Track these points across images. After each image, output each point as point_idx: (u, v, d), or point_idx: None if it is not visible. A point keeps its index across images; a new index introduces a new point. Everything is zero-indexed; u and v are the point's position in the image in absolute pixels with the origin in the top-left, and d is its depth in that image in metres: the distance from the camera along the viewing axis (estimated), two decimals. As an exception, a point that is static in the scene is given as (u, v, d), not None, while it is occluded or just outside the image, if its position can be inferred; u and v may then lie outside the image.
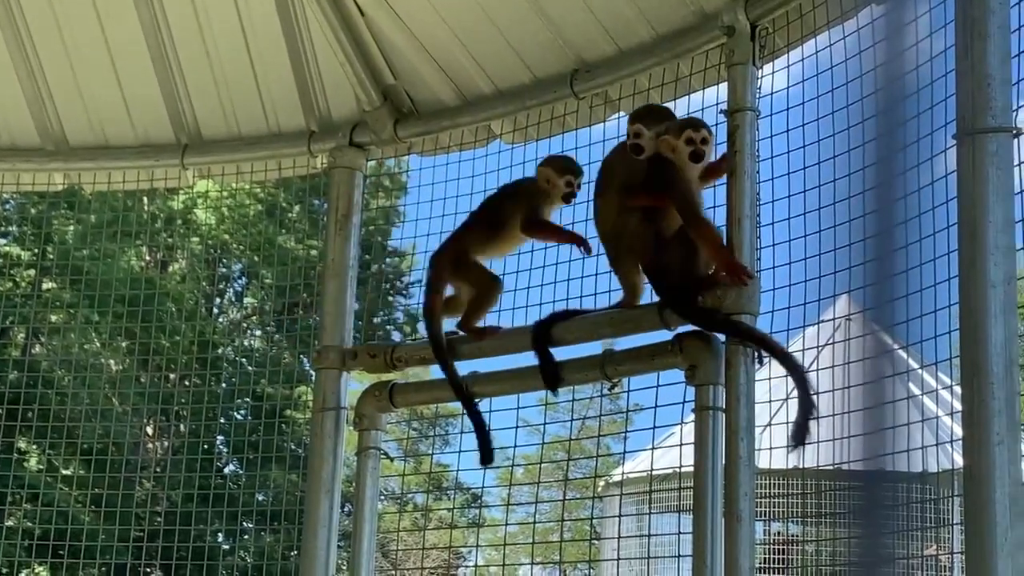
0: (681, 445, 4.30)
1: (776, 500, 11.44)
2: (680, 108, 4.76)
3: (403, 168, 6.03)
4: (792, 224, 4.35)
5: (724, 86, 4.49)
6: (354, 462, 5.18)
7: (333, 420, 5.18)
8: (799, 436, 4.05)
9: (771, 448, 5.08)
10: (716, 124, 4.48)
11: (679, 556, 4.36)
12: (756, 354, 4.11)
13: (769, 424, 5.03)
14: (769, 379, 4.65)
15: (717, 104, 4.54)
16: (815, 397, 4.09)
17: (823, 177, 4.30)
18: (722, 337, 4.13)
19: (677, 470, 4.48)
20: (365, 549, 5.01)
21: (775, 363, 4.23)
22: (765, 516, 12.38)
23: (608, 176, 4.51)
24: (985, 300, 3.31)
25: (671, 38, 4.77)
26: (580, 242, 4.63)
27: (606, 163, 4.59)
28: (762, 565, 13.00)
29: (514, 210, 4.74)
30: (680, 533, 4.44)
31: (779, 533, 13.27)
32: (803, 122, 4.40)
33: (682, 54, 4.74)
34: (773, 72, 4.50)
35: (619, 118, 5.09)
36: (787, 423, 5.05)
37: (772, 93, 4.48)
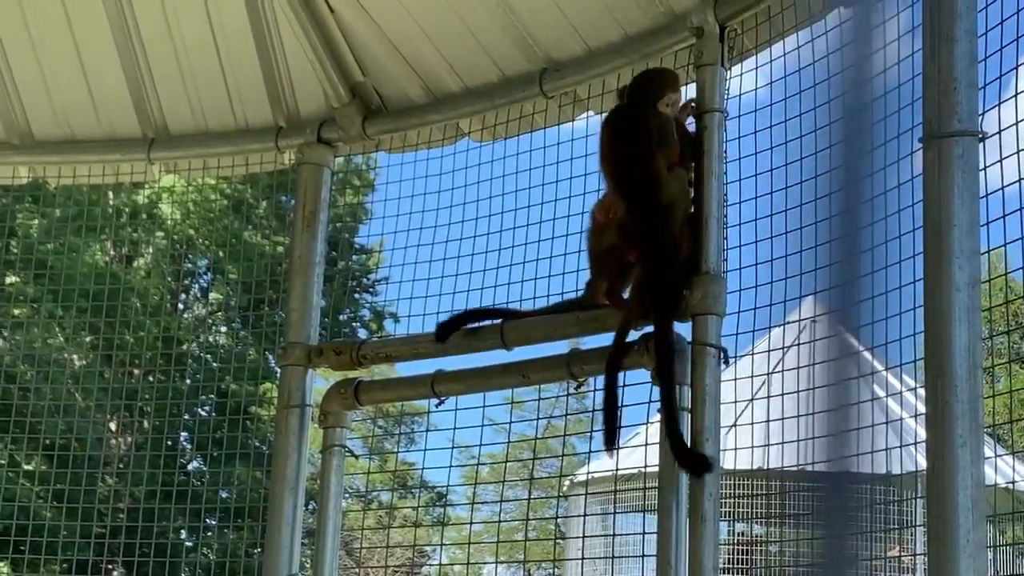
0: (647, 445, 4.30)
1: (740, 500, 11.49)
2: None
3: (371, 165, 6.01)
4: (759, 225, 4.38)
5: (692, 87, 4.50)
6: (319, 459, 5.16)
7: (298, 417, 5.16)
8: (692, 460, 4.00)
9: (735, 449, 5.10)
10: (686, 125, 4.49)
11: (643, 556, 4.37)
12: (722, 355, 4.12)
13: (734, 425, 5.05)
14: (735, 380, 4.66)
15: (686, 105, 4.54)
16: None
17: (790, 179, 4.31)
18: (688, 337, 4.14)
19: (642, 470, 4.48)
20: (329, 547, 4.99)
21: (741, 364, 4.25)
22: (729, 516, 12.45)
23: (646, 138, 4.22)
24: (949, 303, 3.33)
25: (640, 38, 4.77)
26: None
27: (636, 126, 4.26)
28: (726, 565, 13.06)
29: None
30: (645, 533, 4.45)
31: (743, 533, 13.34)
32: (771, 124, 4.42)
33: (651, 54, 4.74)
34: (741, 74, 4.51)
35: (587, 117, 5.10)
36: (751, 424, 5.08)
37: (740, 95, 4.50)
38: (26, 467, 13.84)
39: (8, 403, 7.34)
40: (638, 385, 4.31)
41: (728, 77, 4.44)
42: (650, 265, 4.19)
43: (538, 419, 5.22)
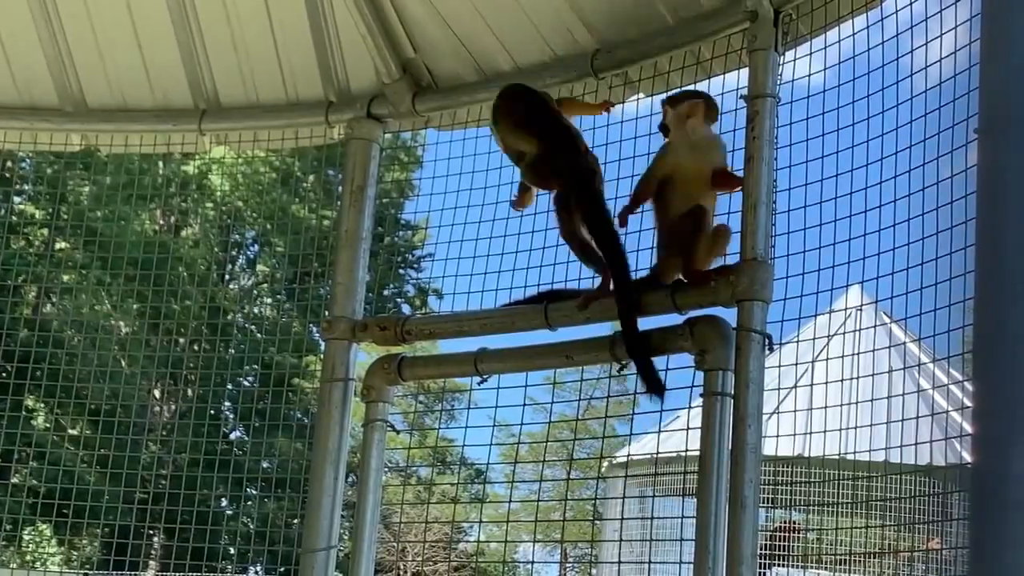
0: (688, 429, 4.30)
1: (779, 487, 11.45)
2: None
3: (419, 141, 6.01)
4: (808, 212, 4.35)
5: (745, 71, 4.47)
6: (360, 433, 5.19)
7: (341, 391, 5.19)
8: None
9: (777, 436, 5.08)
10: (736, 109, 4.47)
11: (681, 540, 4.36)
12: (767, 341, 4.11)
13: (776, 411, 5.03)
14: (778, 367, 4.65)
15: (737, 89, 4.53)
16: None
17: (841, 166, 4.29)
18: (733, 323, 4.13)
19: (682, 454, 4.48)
20: (368, 520, 5.02)
21: (785, 351, 4.24)
22: (768, 502, 12.41)
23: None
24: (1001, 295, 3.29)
25: (694, 21, 4.75)
26: None
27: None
28: (763, 552, 13.03)
29: None
30: (683, 517, 4.44)
31: (782, 520, 13.30)
32: (823, 110, 4.39)
33: (704, 37, 4.71)
34: (795, 59, 4.47)
35: (638, 99, 5.07)
36: (794, 411, 5.06)
37: (793, 80, 4.46)
38: (71, 432, 14.01)
39: (55, 368, 7.42)
40: (680, 369, 4.31)
41: (781, 62, 4.41)
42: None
43: (579, 400, 5.22)
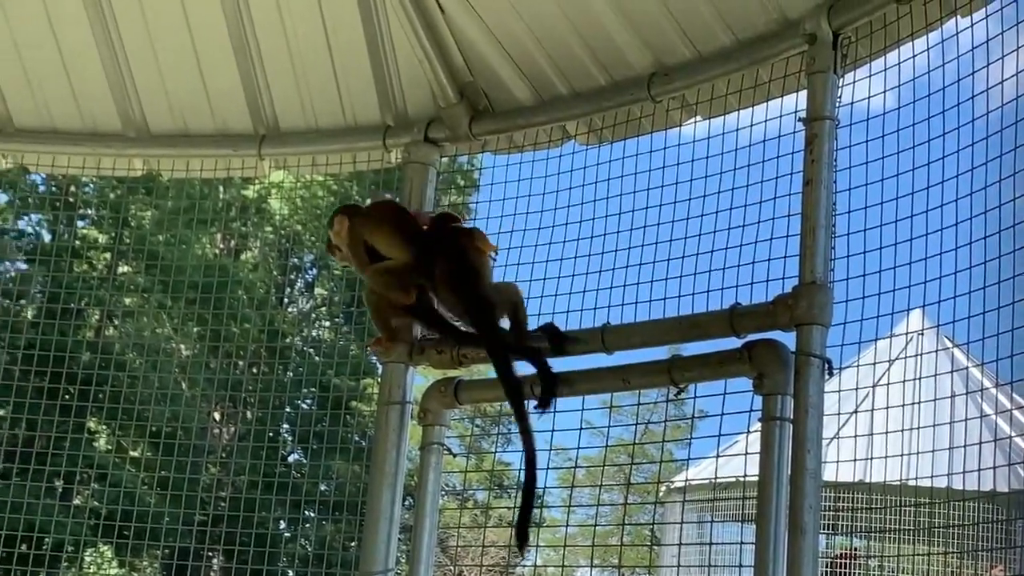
0: (746, 454, 4.26)
1: (840, 513, 11.33)
2: (758, 115, 4.73)
3: (476, 165, 6.04)
4: (868, 235, 4.31)
5: (803, 94, 4.45)
6: (417, 456, 5.19)
7: (398, 414, 5.19)
8: (521, 536, 4.40)
9: (837, 461, 5.03)
10: (794, 132, 4.45)
11: (740, 566, 4.32)
12: (826, 366, 4.07)
13: (836, 437, 4.98)
14: (838, 391, 4.60)
15: (796, 112, 4.50)
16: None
17: (901, 189, 4.24)
18: (793, 347, 4.10)
19: (741, 479, 4.44)
20: (425, 543, 5.02)
21: (845, 375, 4.21)
22: (828, 529, 12.27)
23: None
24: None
25: (751, 44, 4.73)
26: None
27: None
28: (823, 578, 12.88)
29: None
30: (742, 543, 4.40)
31: (842, 547, 13.14)
32: (883, 132, 4.35)
33: (762, 60, 4.70)
34: (854, 81, 4.45)
35: (695, 123, 5.06)
36: (854, 436, 5.01)
37: (852, 102, 4.43)
38: (132, 454, 14.14)
39: (117, 390, 7.50)
40: (738, 394, 4.28)
41: (840, 84, 4.38)
42: None
43: (636, 424, 5.18)
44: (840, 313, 4.20)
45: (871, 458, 4.79)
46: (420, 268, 4.82)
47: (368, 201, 5.29)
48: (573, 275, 5.09)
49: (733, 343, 4.28)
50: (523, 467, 4.50)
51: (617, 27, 5.02)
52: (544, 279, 5.20)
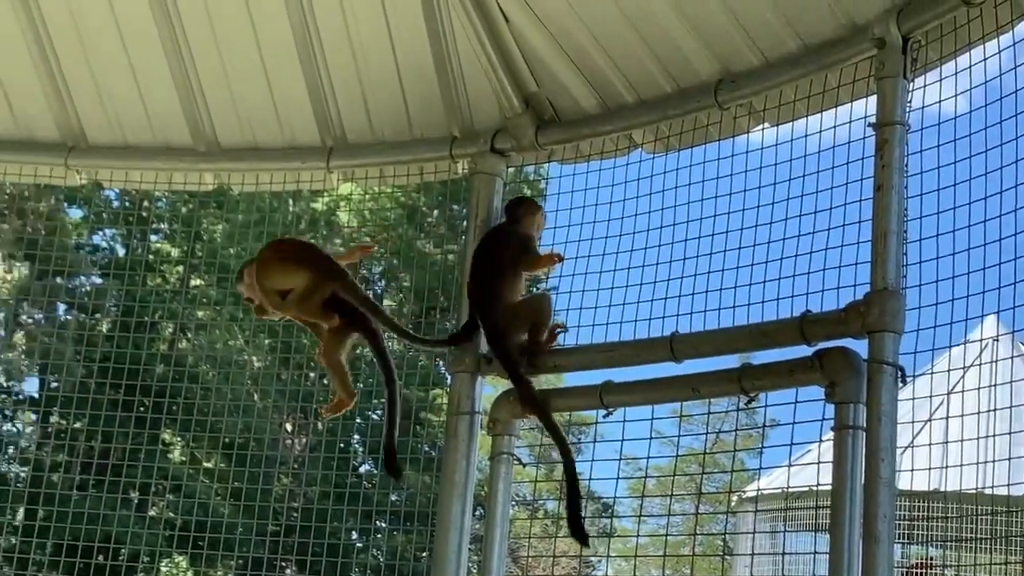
0: (819, 463, 4.22)
1: (915, 522, 11.17)
2: (827, 120, 4.69)
3: (542, 175, 6.03)
4: (940, 241, 4.24)
5: (873, 99, 4.40)
6: (487, 466, 5.19)
7: (467, 424, 5.20)
8: (577, 533, 4.50)
9: (912, 469, 4.96)
10: (864, 138, 4.40)
11: (813, 576, 4.28)
12: (899, 373, 4.03)
13: (911, 445, 4.92)
14: (912, 399, 4.54)
15: (865, 117, 4.46)
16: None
17: (974, 194, 4.18)
18: (865, 354, 4.05)
19: (814, 488, 4.40)
20: (496, 553, 5.02)
21: (918, 383, 4.16)
22: (903, 538, 12.11)
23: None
24: None
25: (819, 49, 4.69)
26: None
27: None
28: (899, 588, 12.70)
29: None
30: (815, 553, 4.36)
31: (918, 556, 12.96)
32: (955, 136, 4.29)
33: (830, 66, 4.65)
34: (924, 85, 4.39)
35: (763, 129, 5.03)
36: (929, 444, 4.94)
37: (923, 107, 4.37)
38: (206, 465, 14.28)
39: (191, 402, 7.59)
40: (810, 402, 4.24)
41: (910, 89, 4.33)
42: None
43: (707, 433, 5.16)
44: (913, 320, 4.15)
45: (946, 466, 4.73)
46: (324, 277, 4.94)
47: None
48: (641, 284, 5.08)
49: (804, 351, 4.24)
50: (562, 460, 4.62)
51: (683, 34, 5.00)
52: (612, 288, 5.20)
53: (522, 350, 4.95)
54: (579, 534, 4.50)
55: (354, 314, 4.98)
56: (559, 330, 5.08)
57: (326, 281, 4.94)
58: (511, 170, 5.79)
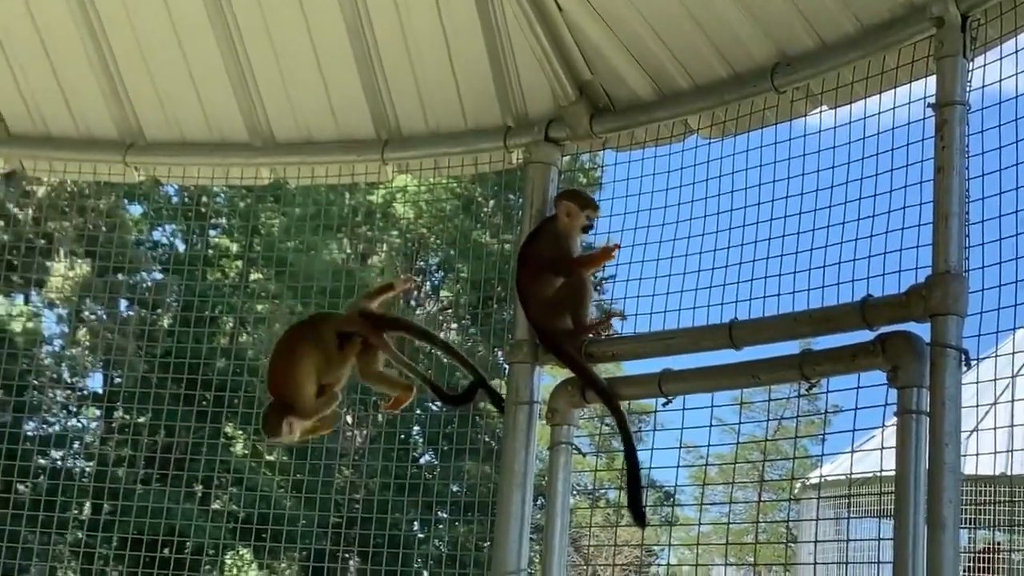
0: (882, 449, 4.18)
1: (982, 507, 11.05)
2: (886, 102, 4.64)
3: (598, 163, 6.02)
4: (1003, 222, 4.18)
5: (932, 79, 4.34)
6: (546, 456, 5.19)
7: (526, 414, 5.20)
8: (637, 514, 4.51)
9: (977, 454, 4.90)
10: (924, 119, 4.34)
11: (879, 563, 4.24)
12: (963, 357, 3.97)
13: (975, 429, 4.85)
14: (976, 383, 4.48)
15: (925, 98, 4.40)
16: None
17: (1038, 173, 4.11)
18: (927, 338, 4.00)
19: (877, 474, 4.35)
20: (557, 543, 5.02)
21: (983, 366, 4.10)
22: (969, 523, 11.98)
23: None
24: None
25: (877, 30, 4.63)
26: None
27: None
28: (966, 574, 12.58)
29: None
30: (880, 539, 4.31)
31: (985, 541, 12.83)
32: (1016, 116, 4.22)
33: (888, 46, 4.59)
34: (985, 64, 4.32)
35: (821, 112, 4.97)
36: (994, 428, 4.87)
37: (984, 86, 4.31)
38: (268, 458, 14.39)
39: (251, 395, 7.64)
40: (872, 387, 4.20)
41: (970, 68, 4.27)
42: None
43: (768, 420, 5.11)
44: (976, 302, 4.08)
45: (1012, 450, 4.67)
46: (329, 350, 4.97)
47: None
48: (699, 271, 5.05)
49: (865, 336, 4.20)
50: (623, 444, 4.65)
51: (738, 18, 4.96)
52: (669, 275, 5.17)
53: (571, 336, 4.95)
54: (637, 512, 4.48)
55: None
56: (615, 317, 5.07)
57: (334, 351, 4.99)
58: (566, 159, 5.77)
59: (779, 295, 4.70)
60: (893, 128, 4.57)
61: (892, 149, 4.54)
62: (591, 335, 5.02)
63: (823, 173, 4.75)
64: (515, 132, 5.74)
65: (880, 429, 4.49)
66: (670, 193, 5.32)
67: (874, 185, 4.54)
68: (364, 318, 5.05)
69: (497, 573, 5.05)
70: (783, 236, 4.81)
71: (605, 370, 5.40)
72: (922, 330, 4.06)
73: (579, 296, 4.99)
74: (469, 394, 5.15)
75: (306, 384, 4.90)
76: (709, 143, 5.34)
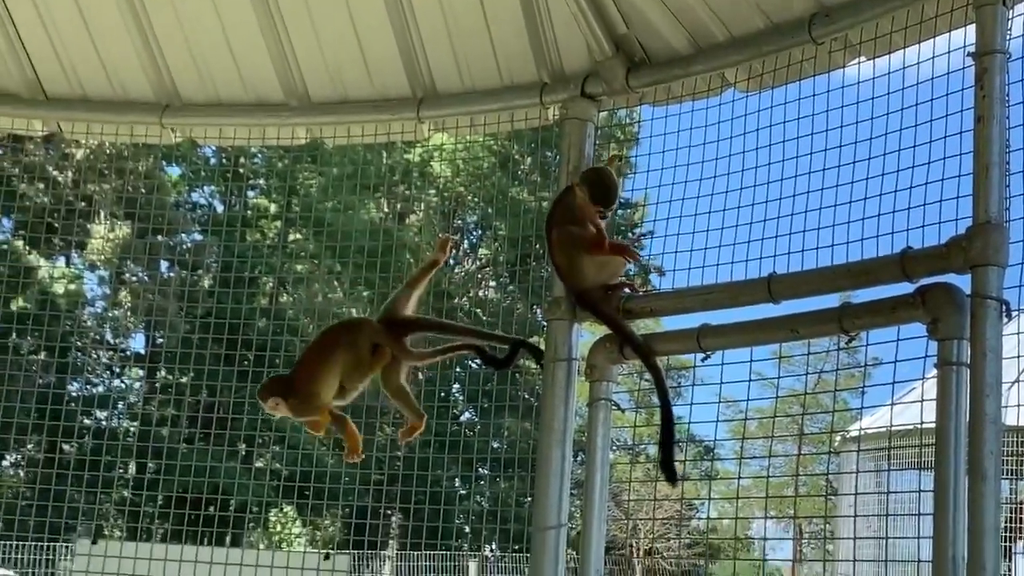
0: (922, 401, 4.16)
1: (1022, 458, 11.01)
2: (924, 51, 4.58)
3: (634, 118, 5.98)
4: (1045, 171, 4.14)
5: (971, 28, 4.29)
6: (586, 412, 5.20)
7: (564, 370, 5.21)
8: (669, 472, 4.47)
9: (1018, 405, 4.88)
10: (963, 68, 4.29)
11: (919, 514, 4.24)
12: (1004, 308, 3.95)
13: (1017, 381, 4.83)
14: (1017, 334, 4.45)
15: (964, 47, 4.34)
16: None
17: (1079, 121, 4.07)
18: (967, 290, 3.98)
19: (918, 426, 4.34)
20: (597, 498, 5.04)
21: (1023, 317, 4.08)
22: (1010, 474, 11.94)
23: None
24: None
25: (915, -22, 4.57)
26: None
27: None
28: (1007, 524, 12.54)
29: None
30: (921, 491, 4.31)
31: (1026, 493, 12.79)
32: (1057, 63, 4.17)
33: (928, -6, 4.54)
34: (1025, 12, 4.26)
35: (859, 63, 4.92)
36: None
37: (1024, 34, 4.25)
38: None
39: (292, 355, 7.70)
40: (912, 339, 4.18)
41: (1010, 16, 4.21)
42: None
43: (807, 373, 5.10)
44: (1017, 253, 4.05)
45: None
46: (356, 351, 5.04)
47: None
48: (737, 225, 5.02)
49: (905, 288, 4.18)
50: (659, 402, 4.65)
51: (775, -31, 4.91)
52: (707, 230, 5.15)
53: (605, 293, 4.97)
54: (668, 470, 4.50)
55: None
56: (652, 273, 5.08)
57: (359, 354, 5.06)
58: (602, 114, 5.75)
59: (818, 248, 4.67)
60: (932, 78, 4.52)
61: (931, 99, 4.49)
62: (628, 291, 5.01)
63: (862, 125, 4.71)
64: (551, 88, 5.72)
65: (920, 381, 4.47)
66: (708, 147, 5.29)
67: (913, 136, 4.50)
68: (388, 328, 5.11)
69: (538, 528, 5.07)
70: (821, 189, 4.78)
71: (644, 326, 5.39)
72: (962, 281, 4.04)
73: (606, 264, 4.99)
74: (511, 356, 5.16)
75: (324, 382, 5.01)
76: (747, 96, 5.30)
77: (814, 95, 4.99)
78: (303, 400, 5.01)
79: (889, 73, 4.72)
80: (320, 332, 5.29)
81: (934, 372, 4.02)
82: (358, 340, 5.04)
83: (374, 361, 5.04)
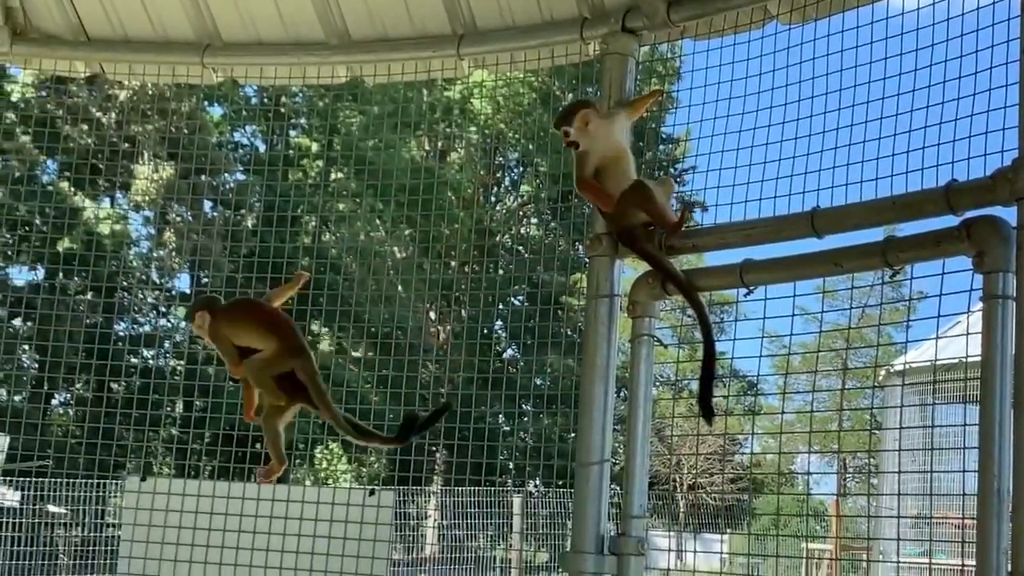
0: (968, 334, 4.14)
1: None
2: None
3: (676, 53, 5.93)
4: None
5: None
6: (628, 348, 5.21)
7: (607, 307, 5.21)
8: (706, 410, 4.46)
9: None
10: (1010, -4, 4.23)
11: (964, 448, 4.23)
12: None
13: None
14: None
15: (1011, -25, 4.27)
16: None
17: None
18: (1013, 222, 3.94)
19: (963, 360, 4.31)
20: (640, 434, 5.05)
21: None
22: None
23: None
24: None
25: (961, -95, 4.49)
26: None
27: None
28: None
29: None
30: (966, 425, 4.29)
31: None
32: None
33: (972, -78, 4.46)
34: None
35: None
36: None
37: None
38: (354, 354, 14.60)
39: (335, 294, 7.75)
40: (957, 273, 4.15)
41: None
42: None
43: (851, 308, 5.09)
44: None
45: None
46: (290, 352, 5.02)
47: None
48: (780, 159, 4.98)
49: (950, 221, 4.14)
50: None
51: (817, -102, 4.83)
52: (750, 165, 5.12)
53: (650, 228, 4.95)
54: (706, 408, 4.51)
55: (301, 386, 5.06)
56: (696, 208, 5.05)
57: (290, 356, 5.04)
58: (644, 49, 5.70)
59: (861, 182, 4.63)
60: (978, 8, 4.45)
61: (977, 30, 4.42)
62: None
63: (906, 56, 4.65)
64: (591, 23, 5.68)
65: (965, 315, 4.44)
66: (750, 81, 5.24)
67: (959, 67, 4.44)
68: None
69: (581, 463, 5.10)
70: (865, 122, 4.74)
71: (686, 261, 5.38)
72: (1008, 214, 3.99)
73: (641, 197, 4.94)
74: (405, 431, 5.20)
75: (247, 340, 5.06)
76: (789, 29, 5.24)
77: (857, 27, 4.92)
78: (217, 333, 5.10)
79: (934, 3, 4.65)
80: (289, 320, 5.26)
81: (979, 305, 3.99)
82: (292, 356, 5.03)
83: (270, 385, 5.04)
